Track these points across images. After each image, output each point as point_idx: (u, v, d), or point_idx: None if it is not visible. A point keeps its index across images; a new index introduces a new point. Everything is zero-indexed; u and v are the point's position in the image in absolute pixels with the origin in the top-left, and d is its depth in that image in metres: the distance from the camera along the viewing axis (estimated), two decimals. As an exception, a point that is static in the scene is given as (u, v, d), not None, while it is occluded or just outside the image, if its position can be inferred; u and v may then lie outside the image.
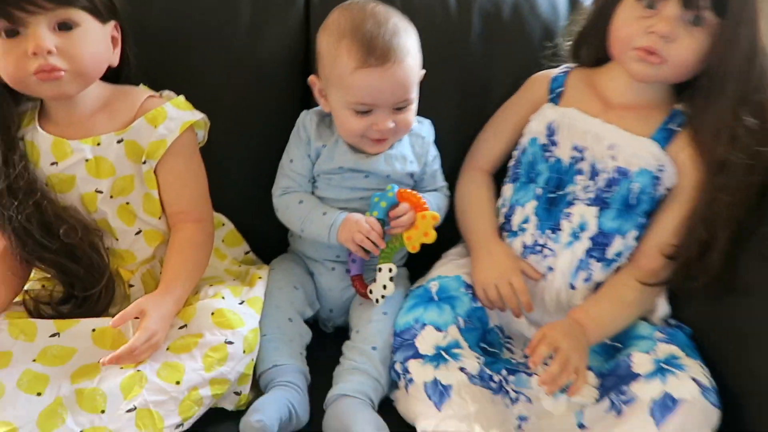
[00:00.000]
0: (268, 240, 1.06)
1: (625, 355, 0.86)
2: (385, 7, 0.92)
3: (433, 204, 0.96)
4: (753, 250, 0.82)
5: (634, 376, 0.82)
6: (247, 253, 1.04)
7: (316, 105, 0.98)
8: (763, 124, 0.80)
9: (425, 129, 1.00)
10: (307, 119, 0.96)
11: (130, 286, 0.88)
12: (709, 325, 0.87)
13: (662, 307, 0.92)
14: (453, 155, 1.05)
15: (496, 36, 1.06)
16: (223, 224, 1.01)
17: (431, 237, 0.89)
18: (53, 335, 0.78)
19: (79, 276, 0.82)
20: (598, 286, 0.92)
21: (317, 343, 0.96)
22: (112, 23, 0.84)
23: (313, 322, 0.99)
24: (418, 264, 1.02)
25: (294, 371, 0.86)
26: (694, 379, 0.79)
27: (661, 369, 0.80)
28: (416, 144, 0.98)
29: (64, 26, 0.78)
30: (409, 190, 0.91)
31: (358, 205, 0.95)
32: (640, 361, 0.83)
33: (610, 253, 0.91)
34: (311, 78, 0.95)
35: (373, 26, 0.87)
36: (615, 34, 0.87)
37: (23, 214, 0.79)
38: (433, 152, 1.01)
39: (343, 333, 0.98)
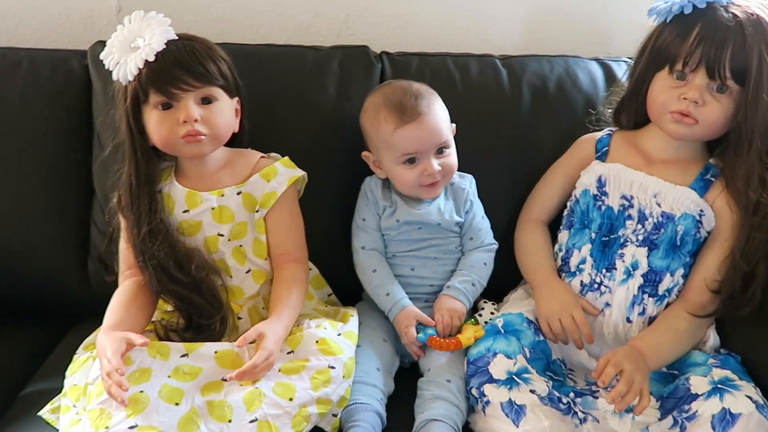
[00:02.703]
0: (346, 284, 1.18)
1: (683, 379, 0.95)
2: (405, 81, 1.12)
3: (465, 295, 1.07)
4: (790, 281, 0.93)
5: (694, 396, 0.91)
6: (329, 295, 1.16)
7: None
8: None
9: (466, 182, 1.15)
10: (372, 184, 1.13)
11: (239, 318, 1.01)
12: (756, 351, 0.97)
13: (713, 338, 1.02)
14: (506, 210, 1.18)
15: (542, 106, 1.22)
16: (310, 269, 1.13)
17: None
18: (183, 356, 0.90)
19: (202, 307, 0.96)
20: (651, 320, 1.03)
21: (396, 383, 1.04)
22: (236, 99, 1.02)
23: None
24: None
25: (371, 410, 0.94)
26: (749, 397, 0.88)
27: (718, 389, 0.90)
28: (458, 196, 1.13)
29: (206, 100, 0.96)
30: (436, 340, 1.01)
31: (421, 253, 1.10)
32: (697, 383, 0.92)
33: (661, 289, 1.02)
34: (364, 153, 1.12)
35: (400, 94, 1.06)
36: (652, 101, 1.02)
37: (162, 253, 0.94)
38: (475, 206, 1.14)
39: (418, 367, 1.09)
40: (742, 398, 0.88)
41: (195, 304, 0.95)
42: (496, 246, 1.14)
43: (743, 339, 0.99)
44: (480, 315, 1.08)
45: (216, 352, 0.91)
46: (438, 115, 1.07)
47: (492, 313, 1.08)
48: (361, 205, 1.13)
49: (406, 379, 1.05)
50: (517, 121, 1.21)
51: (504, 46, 1.37)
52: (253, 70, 1.19)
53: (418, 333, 1.03)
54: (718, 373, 0.93)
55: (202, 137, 0.94)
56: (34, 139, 1.16)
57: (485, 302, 1.11)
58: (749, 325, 0.97)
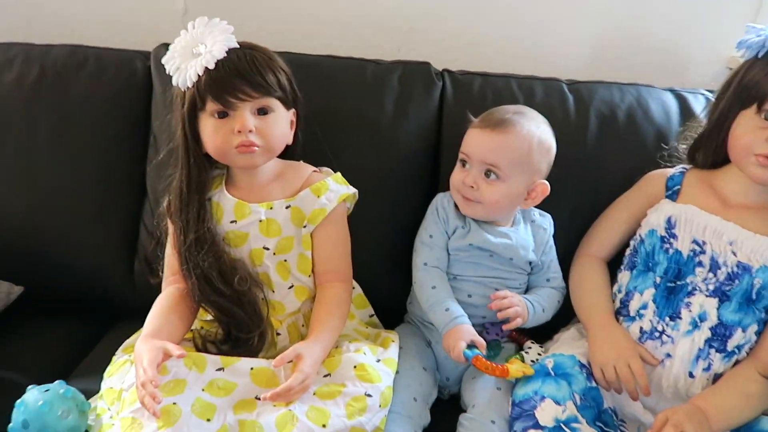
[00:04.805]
0: (388, 306, 1.14)
1: (749, 447, 0.87)
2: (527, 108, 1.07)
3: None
4: None
5: (762, 469, 0.83)
6: (371, 316, 1.12)
7: (444, 189, 1.10)
8: None
9: (547, 222, 1.10)
10: (444, 200, 1.08)
11: (278, 334, 0.99)
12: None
13: (784, 404, 0.93)
14: (565, 243, 1.12)
15: (610, 136, 1.15)
16: (354, 288, 1.10)
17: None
18: (219, 369, 0.88)
19: (242, 320, 0.93)
20: (716, 377, 0.94)
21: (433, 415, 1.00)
22: (292, 110, 1.00)
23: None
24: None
25: None
26: (825, 475, 0.79)
27: (790, 463, 0.81)
28: (538, 235, 1.08)
29: (262, 111, 0.94)
30: (483, 360, 0.94)
31: (483, 281, 1.04)
32: (766, 454, 0.84)
33: (731, 345, 0.94)
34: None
35: (503, 107, 1.05)
36: (735, 141, 0.95)
37: (206, 263, 0.92)
38: (553, 248, 1.09)
39: (457, 400, 1.04)
40: (818, 477, 0.79)
41: (235, 316, 0.93)
42: (565, 290, 1.10)
43: (822, 409, 0.90)
44: (527, 353, 1.02)
45: (252, 368, 0.89)
46: (511, 141, 0.99)
47: (539, 354, 1.02)
48: (429, 221, 1.08)
49: (444, 412, 1.00)
50: (582, 150, 1.15)
51: (570, 71, 1.32)
52: (311, 81, 1.17)
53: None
54: (790, 445, 0.84)
55: (256, 148, 0.93)
56: (93, 137, 1.17)
57: (532, 343, 1.05)
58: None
